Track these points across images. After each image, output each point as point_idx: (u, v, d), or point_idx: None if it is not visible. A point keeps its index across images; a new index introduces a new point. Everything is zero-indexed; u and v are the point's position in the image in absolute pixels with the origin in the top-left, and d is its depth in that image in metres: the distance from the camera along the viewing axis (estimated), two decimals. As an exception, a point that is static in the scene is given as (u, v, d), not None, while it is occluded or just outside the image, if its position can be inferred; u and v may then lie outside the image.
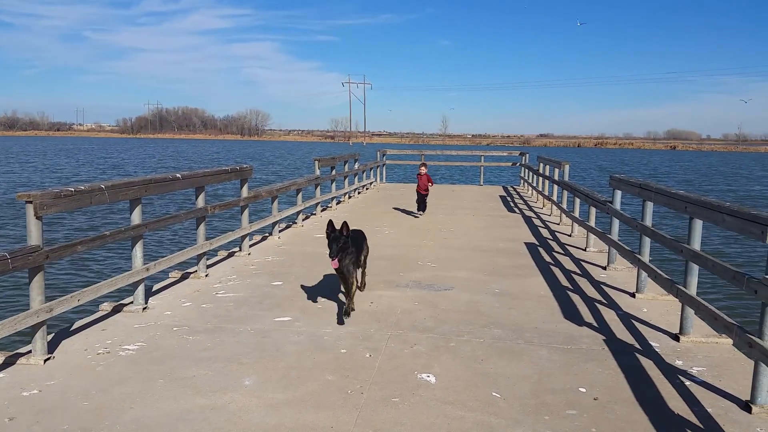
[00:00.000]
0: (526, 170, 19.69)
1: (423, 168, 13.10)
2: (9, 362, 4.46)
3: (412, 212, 13.22)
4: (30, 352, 4.56)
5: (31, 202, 4.56)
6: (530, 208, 14.93)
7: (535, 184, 17.01)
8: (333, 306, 6.04)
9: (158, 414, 3.66)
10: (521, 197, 17.72)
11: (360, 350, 4.81)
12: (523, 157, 21.22)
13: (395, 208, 14.33)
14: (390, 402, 3.88)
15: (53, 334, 5.01)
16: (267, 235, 10.07)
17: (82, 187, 5.18)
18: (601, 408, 3.85)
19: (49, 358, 4.54)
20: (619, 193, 7.77)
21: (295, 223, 11.44)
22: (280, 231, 10.27)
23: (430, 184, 12.93)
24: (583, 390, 4.12)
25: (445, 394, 4.02)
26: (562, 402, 3.93)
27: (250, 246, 8.92)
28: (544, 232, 11.16)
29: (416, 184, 13.04)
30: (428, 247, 9.35)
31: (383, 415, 3.71)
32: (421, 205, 12.86)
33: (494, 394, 4.03)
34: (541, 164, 15.62)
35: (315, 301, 6.21)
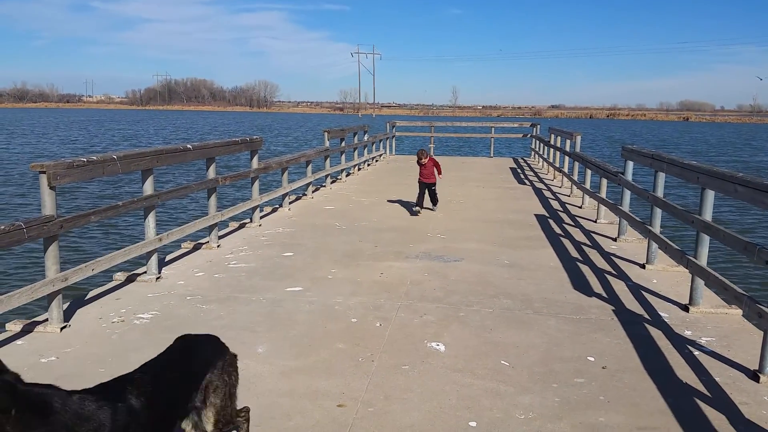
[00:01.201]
0: (537, 142, 19.55)
1: (422, 159, 9.89)
2: (27, 330, 4.55)
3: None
4: (47, 320, 4.66)
5: (44, 173, 4.61)
6: (541, 180, 14.86)
7: (546, 156, 16.90)
8: (343, 277, 6.09)
9: (173, 380, 3.74)
10: (532, 169, 17.63)
11: (370, 320, 4.87)
12: (534, 129, 21.04)
13: (405, 181, 14.31)
14: (400, 369, 3.95)
15: (69, 303, 5.11)
16: (277, 206, 10.11)
17: (95, 158, 5.22)
18: (610, 376, 3.89)
19: (65, 326, 4.64)
20: (630, 164, 7.71)
21: (305, 195, 11.47)
22: (290, 203, 10.31)
23: (438, 173, 10.05)
24: (592, 359, 4.16)
25: (454, 362, 4.08)
26: (571, 370, 3.97)
27: (261, 217, 8.98)
28: (555, 204, 11.13)
29: (420, 169, 10.00)
30: (438, 219, 9.36)
31: (393, 381, 3.77)
32: (431, 197, 10.06)
33: (503, 362, 4.08)
34: (552, 135, 15.49)
35: (325, 271, 6.27)
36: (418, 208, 9.82)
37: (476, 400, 3.55)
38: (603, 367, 4.03)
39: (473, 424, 3.28)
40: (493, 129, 22.99)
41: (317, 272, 6.23)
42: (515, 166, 18.63)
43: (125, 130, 56.30)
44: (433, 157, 10.24)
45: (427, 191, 9.97)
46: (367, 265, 6.51)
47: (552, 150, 15.60)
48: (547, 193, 12.52)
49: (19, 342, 4.35)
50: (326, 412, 3.38)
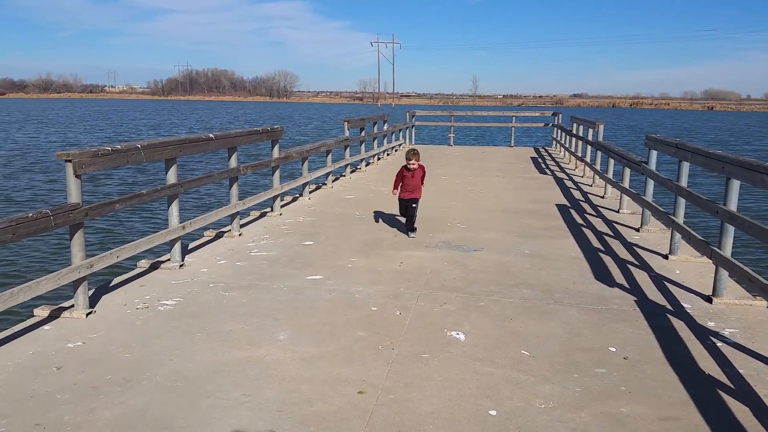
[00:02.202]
0: (559, 131, 19.35)
1: (413, 160, 7.44)
2: (54, 315, 4.66)
3: (441, 173, 13.07)
4: (73, 306, 4.75)
5: (70, 161, 4.69)
6: (562, 170, 14.72)
7: (567, 145, 16.73)
8: (363, 266, 6.11)
9: (197, 366, 3.81)
10: (553, 158, 17.46)
11: (390, 308, 4.89)
12: (556, 118, 20.82)
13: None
14: (420, 358, 3.96)
15: (94, 290, 5.20)
16: (297, 195, 10.16)
17: (119, 146, 5.29)
18: (632, 367, 3.87)
19: (90, 312, 4.73)
20: (654, 154, 7.61)
21: (325, 184, 11.51)
22: (310, 192, 10.35)
23: (420, 177, 7.58)
24: (613, 349, 4.14)
25: (474, 351, 4.08)
26: (592, 361, 3.95)
27: (282, 206, 9.03)
28: (576, 194, 11.02)
29: (405, 178, 7.52)
30: (457, 209, 9.33)
31: (414, 369, 3.79)
32: (410, 219, 7.44)
33: (523, 352, 4.08)
34: (575, 124, 15.32)
35: (345, 260, 6.30)
36: (412, 234, 7.37)
37: (496, 389, 3.55)
38: (625, 358, 4.00)
39: (493, 412, 3.29)
40: (514, 118, 22.79)
41: (337, 261, 6.26)
42: (536, 155, 18.46)
43: (149, 120, 56.92)
44: (422, 164, 7.56)
45: (408, 209, 7.38)
46: (386, 255, 6.53)
47: (574, 139, 15.43)
48: (569, 183, 12.41)
49: (46, 327, 4.45)
50: (347, 399, 3.41)
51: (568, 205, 9.84)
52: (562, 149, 18.07)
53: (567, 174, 13.92)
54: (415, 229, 7.40)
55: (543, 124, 23.84)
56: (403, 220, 7.83)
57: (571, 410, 3.32)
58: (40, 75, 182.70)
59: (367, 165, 14.63)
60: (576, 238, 7.41)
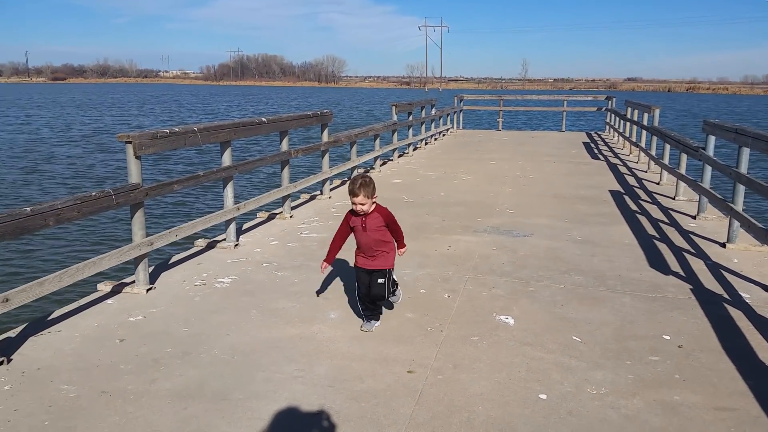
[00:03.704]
0: (613, 115, 18.83)
1: (361, 196, 3.92)
2: (116, 290, 4.88)
3: (489, 158, 12.92)
4: (134, 282, 4.96)
5: (130, 143, 4.88)
6: (616, 155, 14.35)
7: (621, 130, 16.28)
8: (411, 249, 6.13)
9: (252, 341, 3.94)
10: (606, 144, 17.03)
11: (438, 291, 4.92)
12: (609, 102, 20.25)
13: (472, 155, 14.18)
14: (469, 340, 3.98)
15: (154, 267, 5.42)
16: (346, 179, 10.26)
17: (177, 129, 5.46)
18: (686, 356, 3.79)
19: (150, 288, 4.93)
20: (712, 139, 7.35)
21: (373, 168, 11.57)
22: (359, 175, 10.43)
23: (398, 243, 4.22)
24: (668, 337, 4.06)
25: (523, 335, 4.07)
26: (645, 348, 3.89)
27: (331, 190, 9.14)
28: (631, 180, 10.75)
29: (355, 231, 4.16)
30: (506, 194, 9.25)
31: (462, 351, 3.81)
32: (372, 299, 4.14)
33: (574, 337, 4.04)
34: (629, 109, 14.88)
35: (394, 243, 6.34)
36: (367, 326, 4.15)
37: (546, 373, 3.55)
38: (679, 346, 3.93)
39: (543, 396, 3.29)
40: (565, 102, 22.30)
41: (386, 244, 6.30)
42: (588, 140, 18.04)
43: (204, 105, 58.19)
44: (382, 206, 4.17)
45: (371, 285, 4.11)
46: (434, 238, 6.55)
47: (628, 124, 15.00)
48: (623, 169, 12.10)
49: (109, 302, 4.67)
50: (396, 377, 3.47)
51: (622, 191, 9.61)
52: (616, 134, 17.59)
53: (621, 159, 13.57)
54: (376, 317, 4.19)
55: (595, 109, 23.22)
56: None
57: (623, 397, 3.29)
58: (98, 60, 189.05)
59: (414, 150, 14.61)
60: (630, 225, 7.25)
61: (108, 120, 36.89)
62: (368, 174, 4.06)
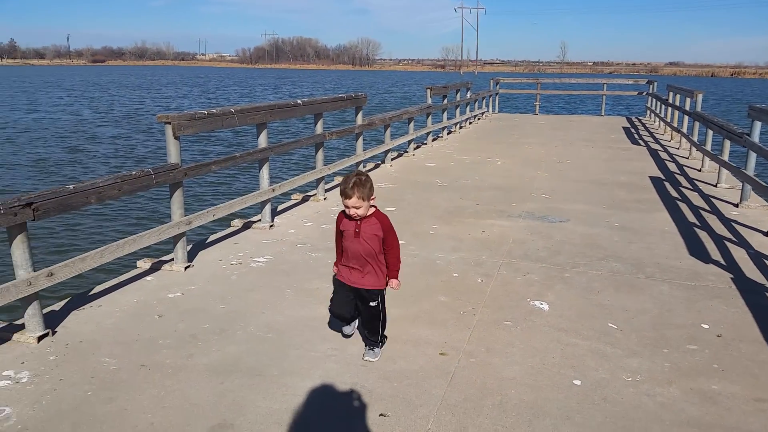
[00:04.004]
0: (654, 100, 18.33)
1: (355, 197, 3.24)
2: (155, 268, 4.99)
3: (526, 142, 12.73)
4: (172, 260, 5.07)
5: (169, 123, 4.95)
6: (656, 141, 14.00)
7: (663, 115, 15.85)
8: (445, 233, 6.13)
9: (287, 319, 3.99)
10: (647, 129, 16.62)
11: (471, 275, 4.90)
12: (651, 86, 19.72)
13: (508, 139, 14.01)
14: (502, 324, 3.96)
15: (191, 245, 5.52)
16: (379, 162, 10.25)
17: (215, 111, 5.52)
18: (725, 345, 3.71)
19: (188, 266, 5.03)
20: (758, 125, 7.11)
21: (407, 152, 11.53)
22: (392, 159, 10.42)
23: (392, 260, 3.45)
24: (706, 326, 3.97)
25: (558, 321, 4.03)
26: (683, 337, 3.81)
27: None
28: (671, 166, 10.48)
29: (344, 236, 3.43)
30: (542, 179, 9.12)
31: (495, 335, 3.80)
32: (367, 324, 3.52)
33: (610, 325, 3.99)
34: (671, 93, 14.47)
35: (427, 227, 6.33)
36: (349, 330, 3.75)
37: (581, 359, 3.51)
38: (718, 335, 3.84)
39: (578, 382, 3.26)
40: (605, 86, 21.80)
41: (419, 227, 6.31)
42: (628, 125, 17.62)
43: (241, 88, 58.73)
44: (383, 213, 3.44)
45: (360, 308, 3.54)
46: (468, 223, 6.51)
47: (670, 109, 14.59)
48: (664, 155, 11.80)
49: (148, 278, 4.78)
50: (429, 359, 3.48)
51: (662, 177, 9.38)
52: (657, 119, 17.14)
53: (662, 145, 13.23)
54: (376, 348, 3.52)
55: (636, 93, 22.63)
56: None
57: (659, 384, 3.24)
58: (136, 43, 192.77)
59: (449, 133, 14.50)
60: (670, 212, 7.08)
61: (147, 102, 37.56)
62: (364, 172, 3.52)
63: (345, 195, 3.25)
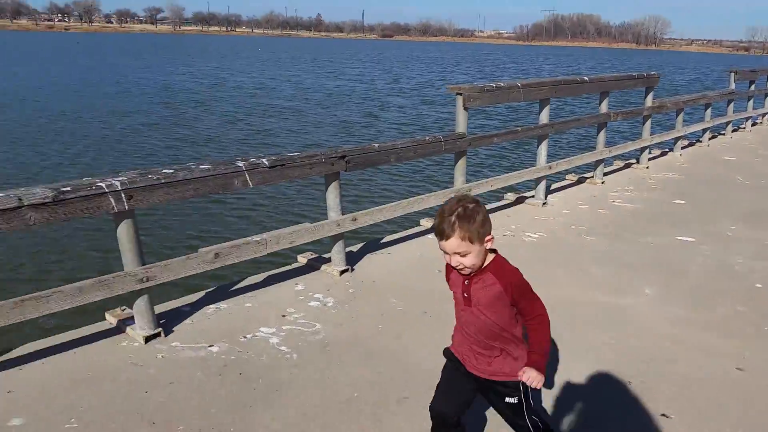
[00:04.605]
0: None
1: (453, 241, 1.90)
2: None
3: None
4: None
5: (461, 94, 5.19)
6: None
7: None
8: (746, 236, 5.38)
9: (558, 298, 3.90)
10: None
11: (778, 288, 4.23)
12: None
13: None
14: (817, 351, 3.37)
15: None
16: (667, 150, 9.39)
17: (502, 84, 5.62)
18: None
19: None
20: None
21: (700, 141, 10.33)
22: (682, 148, 9.45)
23: (503, 305, 2.01)
24: None
25: None
26: None
27: (648, 159, 8.47)
28: None
29: (455, 298, 2.17)
30: None
31: (808, 361, 3.25)
32: None
33: None
34: None
35: (723, 227, 5.63)
36: None
37: None
38: None
39: None
40: None
41: (712, 226, 5.64)
42: None
43: (517, 65, 58.83)
44: (509, 263, 2.08)
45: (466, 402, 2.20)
46: (777, 228, 5.62)
47: None
48: None
49: (429, 236, 5.11)
50: (720, 369, 3.13)
51: None
52: None
53: None
54: None
55: None
56: None
57: None
58: (421, 20, 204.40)
59: (753, 125, 12.58)
60: None
61: (431, 75, 39.80)
62: (471, 197, 2.03)
63: (441, 234, 1.95)
